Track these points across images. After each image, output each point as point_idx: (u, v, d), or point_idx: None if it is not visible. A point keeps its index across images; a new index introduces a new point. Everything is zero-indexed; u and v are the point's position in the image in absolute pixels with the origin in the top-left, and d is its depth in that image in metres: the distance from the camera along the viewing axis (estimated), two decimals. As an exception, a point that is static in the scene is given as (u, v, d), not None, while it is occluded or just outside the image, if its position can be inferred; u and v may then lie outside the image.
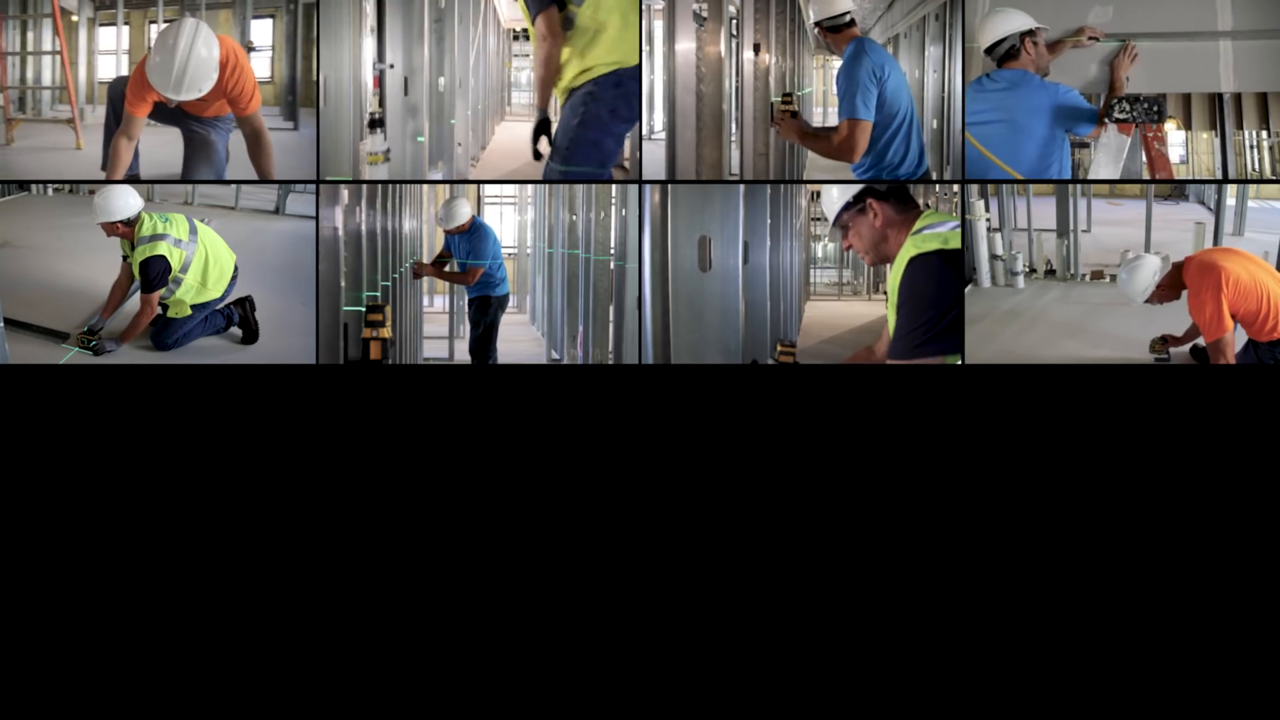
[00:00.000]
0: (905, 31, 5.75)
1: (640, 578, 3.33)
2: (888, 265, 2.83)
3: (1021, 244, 5.08)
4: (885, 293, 6.28)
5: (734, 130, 4.66)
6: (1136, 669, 3.18)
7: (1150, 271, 3.74)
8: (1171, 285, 3.75)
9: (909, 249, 2.73)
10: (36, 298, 3.96)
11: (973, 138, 3.51)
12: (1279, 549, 3.22)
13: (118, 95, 3.65)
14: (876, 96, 3.67)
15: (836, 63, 3.92)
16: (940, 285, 2.67)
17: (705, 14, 4.20)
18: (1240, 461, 3.25)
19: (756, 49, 4.98)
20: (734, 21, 4.83)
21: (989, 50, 3.56)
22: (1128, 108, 3.41)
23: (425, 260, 5.10)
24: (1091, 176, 3.52)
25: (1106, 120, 3.45)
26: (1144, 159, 3.46)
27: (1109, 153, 3.49)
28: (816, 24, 3.92)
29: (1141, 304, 3.79)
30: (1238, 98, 3.59)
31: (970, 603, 3.24)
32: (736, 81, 4.77)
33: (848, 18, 3.88)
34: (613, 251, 4.63)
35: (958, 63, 3.68)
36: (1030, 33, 3.49)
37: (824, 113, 6.33)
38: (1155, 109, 3.40)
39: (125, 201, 3.76)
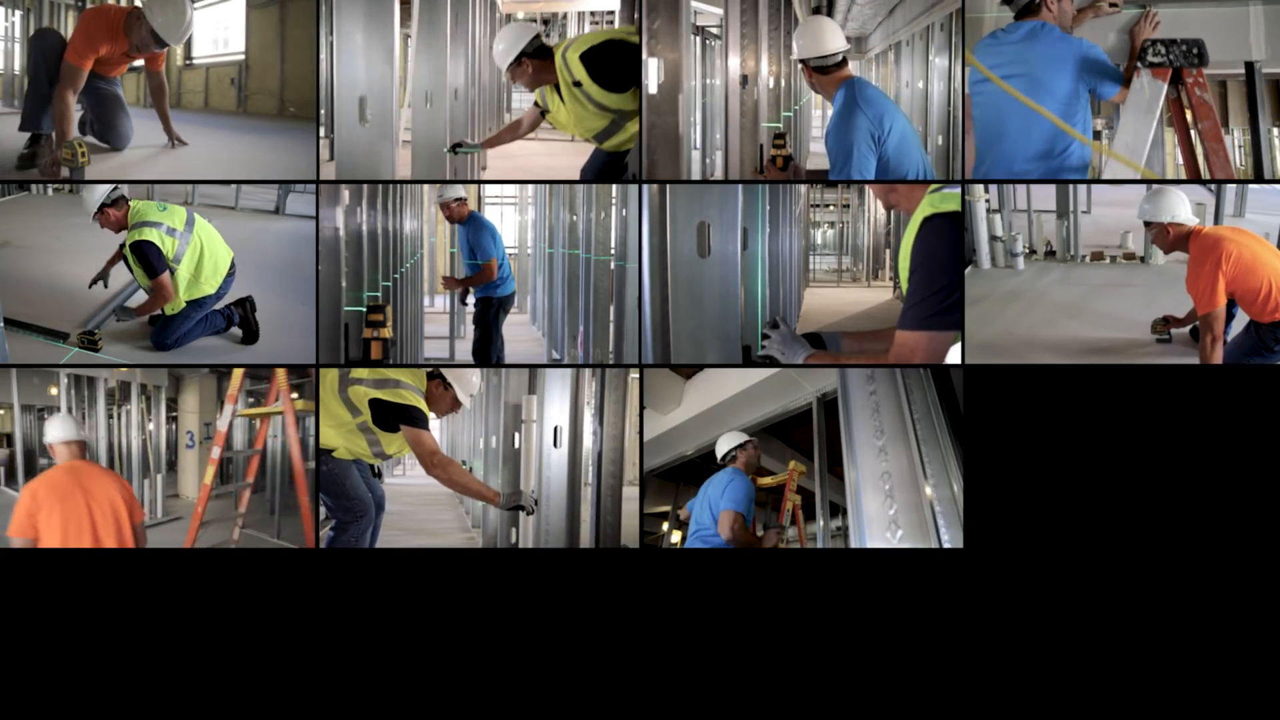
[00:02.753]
0: (907, 39, 5.72)
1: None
2: (897, 214, 2.69)
3: (1021, 225, 5.07)
4: (892, 276, 6.26)
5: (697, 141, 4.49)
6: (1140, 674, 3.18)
7: (1175, 206, 3.65)
8: (1177, 238, 3.71)
9: (925, 207, 2.57)
10: (36, 298, 3.95)
11: (1001, 80, 3.09)
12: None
13: (52, 49, 3.94)
14: (877, 160, 3.14)
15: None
16: (954, 251, 2.53)
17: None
18: (1241, 463, 3.22)
19: (744, 82, 4.68)
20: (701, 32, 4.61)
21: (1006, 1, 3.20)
22: (1163, 50, 3.05)
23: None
24: (1120, 135, 3.10)
25: (1139, 65, 3.08)
26: (1183, 108, 3.08)
27: (1140, 104, 3.10)
28: (801, 62, 3.33)
29: (1139, 221, 3.74)
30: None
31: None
32: (721, 96, 4.57)
33: (839, 58, 3.29)
34: (613, 251, 4.62)
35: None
36: None
37: (822, 122, 6.20)
38: (1195, 51, 3.02)
39: (101, 188, 3.82)
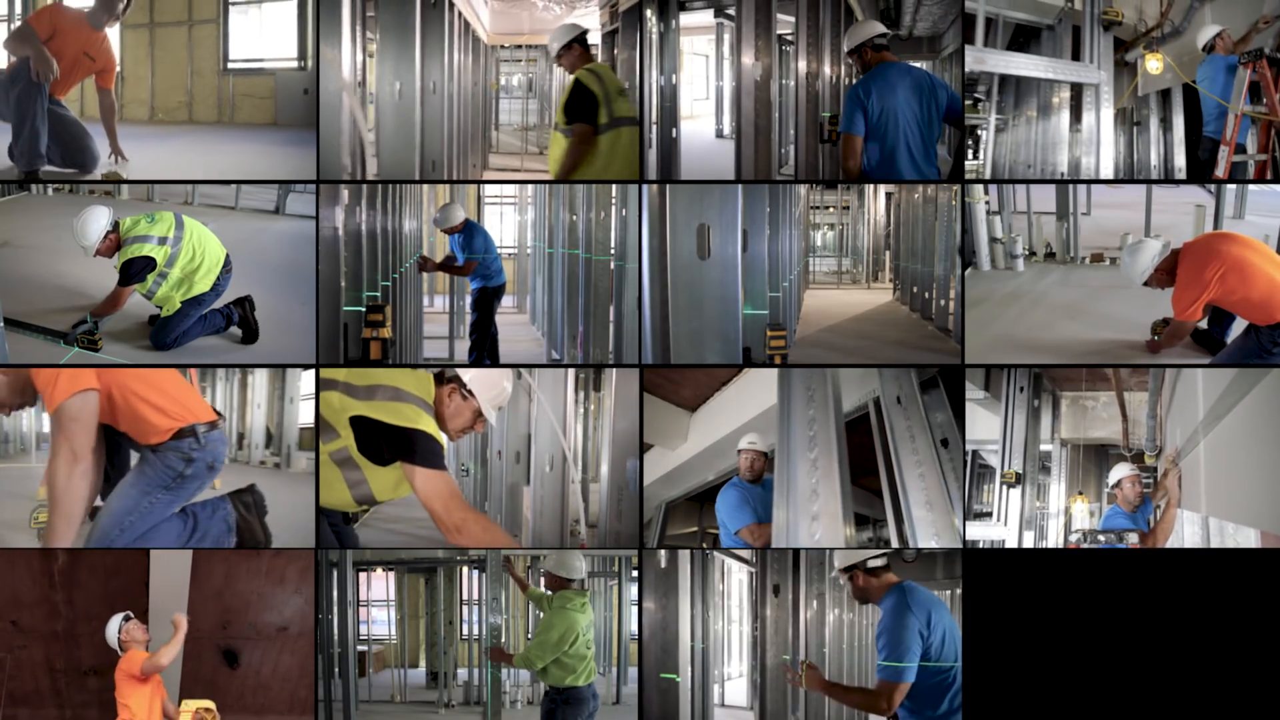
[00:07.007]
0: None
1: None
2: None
3: (1021, 227, 5.08)
4: (893, 278, 6.21)
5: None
6: None
7: (1151, 254, 3.72)
8: (1170, 270, 3.73)
9: None
10: (36, 298, 3.96)
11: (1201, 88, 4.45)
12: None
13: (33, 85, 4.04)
14: (863, 114, 3.67)
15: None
16: None
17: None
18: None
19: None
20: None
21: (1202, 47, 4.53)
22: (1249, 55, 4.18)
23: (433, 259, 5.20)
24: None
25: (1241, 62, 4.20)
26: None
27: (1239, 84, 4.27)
28: (850, 52, 3.82)
29: (1141, 286, 3.78)
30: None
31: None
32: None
33: (883, 40, 3.76)
34: (612, 251, 4.63)
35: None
36: (1219, 34, 4.50)
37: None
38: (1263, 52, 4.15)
39: (100, 218, 3.77)
